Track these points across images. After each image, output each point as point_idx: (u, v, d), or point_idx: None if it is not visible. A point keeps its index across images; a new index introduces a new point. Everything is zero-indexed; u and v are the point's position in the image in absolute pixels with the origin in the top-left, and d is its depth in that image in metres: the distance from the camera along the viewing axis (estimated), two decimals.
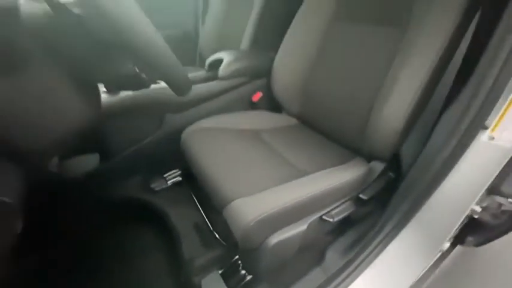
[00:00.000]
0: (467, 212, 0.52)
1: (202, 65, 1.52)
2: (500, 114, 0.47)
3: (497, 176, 0.48)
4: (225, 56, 0.98)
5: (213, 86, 0.93)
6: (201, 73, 0.99)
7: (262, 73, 1.01)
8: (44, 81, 0.36)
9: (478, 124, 0.48)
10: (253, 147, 0.73)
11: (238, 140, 0.75)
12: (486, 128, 0.48)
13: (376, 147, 0.69)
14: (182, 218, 0.79)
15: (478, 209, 0.53)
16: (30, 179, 0.38)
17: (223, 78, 0.94)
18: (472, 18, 0.57)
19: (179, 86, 0.46)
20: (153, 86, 0.81)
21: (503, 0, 0.45)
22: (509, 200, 0.51)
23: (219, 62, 0.98)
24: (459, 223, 0.54)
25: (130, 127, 0.84)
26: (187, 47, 1.58)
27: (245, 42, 1.16)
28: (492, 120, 0.47)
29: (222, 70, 0.93)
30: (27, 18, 0.33)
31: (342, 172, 0.66)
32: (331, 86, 0.82)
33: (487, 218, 0.53)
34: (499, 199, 0.51)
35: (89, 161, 0.85)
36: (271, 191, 0.56)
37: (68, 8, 0.31)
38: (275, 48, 0.96)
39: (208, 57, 1.43)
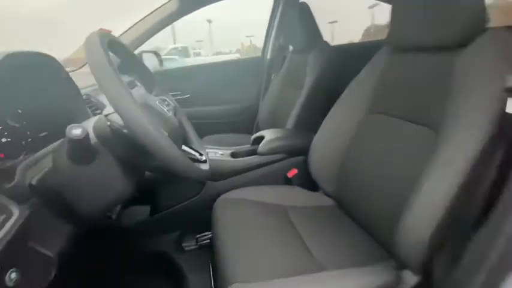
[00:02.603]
0: None
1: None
2: None
3: None
4: (267, 134, 1.09)
5: (252, 159, 1.03)
6: (245, 147, 1.12)
7: (300, 151, 1.06)
8: (105, 168, 0.52)
9: None
10: (275, 227, 0.74)
11: (264, 215, 0.79)
12: None
13: (407, 252, 0.61)
14: (198, 285, 0.83)
15: None
16: (79, 230, 0.52)
17: (262, 154, 1.03)
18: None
19: (183, 172, 0.53)
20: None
21: None
22: None
23: (262, 138, 1.10)
24: None
25: (178, 188, 0.99)
26: (248, 118, 1.80)
27: (291, 121, 1.27)
28: None
29: (261, 147, 1.04)
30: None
31: (364, 276, 0.59)
32: (365, 173, 0.80)
33: None
34: None
35: (141, 212, 1.02)
36: (277, 282, 0.55)
37: (120, 128, 0.49)
38: (314, 130, 1.02)
39: (263, 128, 1.60)
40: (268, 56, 1.75)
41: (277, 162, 1.05)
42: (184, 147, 0.66)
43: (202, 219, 0.97)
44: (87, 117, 0.74)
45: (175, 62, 7.54)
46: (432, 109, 0.66)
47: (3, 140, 0.52)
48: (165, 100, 0.71)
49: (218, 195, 0.90)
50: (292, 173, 1.05)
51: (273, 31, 1.71)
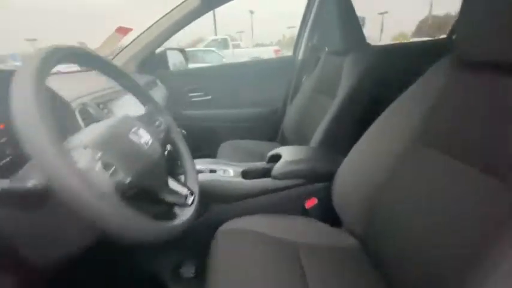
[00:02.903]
0: None
1: (282, 142, 1.56)
2: None
3: None
4: (285, 154, 0.94)
5: (264, 183, 0.89)
6: (260, 164, 0.98)
7: (323, 177, 0.89)
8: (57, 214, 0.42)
9: None
10: (280, 270, 0.62)
11: (269, 253, 0.66)
12: None
13: None
14: None
15: None
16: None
17: (275, 178, 0.89)
18: None
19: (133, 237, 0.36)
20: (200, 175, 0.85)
21: None
22: None
23: (279, 157, 0.95)
24: None
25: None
26: (273, 124, 1.65)
27: (317, 135, 1.10)
28: None
29: (276, 169, 0.89)
30: None
31: None
32: (403, 220, 0.62)
33: None
34: None
35: None
36: None
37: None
38: (344, 151, 0.85)
39: (289, 135, 1.45)
40: (300, 56, 1.57)
41: (294, 188, 0.90)
42: (170, 181, 0.55)
43: (204, 244, 0.87)
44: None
45: (213, 54, 7.59)
46: (505, 157, 0.45)
47: None
48: (156, 121, 0.60)
49: (223, 220, 0.80)
50: (311, 203, 0.89)
51: (306, 28, 1.51)
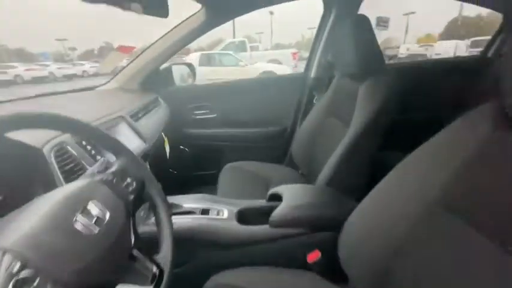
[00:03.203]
0: None
1: (289, 164, 1.45)
2: None
3: None
4: (286, 195, 0.83)
5: (262, 230, 0.79)
6: (258, 204, 0.88)
7: (328, 226, 0.78)
8: None
9: None
10: None
11: None
12: None
13: None
14: None
15: None
16: None
17: (274, 226, 0.79)
18: None
19: None
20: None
21: None
22: None
23: (280, 197, 0.85)
24: None
25: None
26: (282, 143, 1.55)
27: (327, 170, 0.98)
28: None
29: (275, 215, 0.79)
30: None
31: None
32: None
33: None
34: None
35: None
36: None
37: None
38: (355, 192, 0.74)
39: (297, 160, 1.33)
40: (312, 74, 1.44)
41: (295, 238, 0.79)
42: (135, 251, 0.46)
43: None
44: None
45: (230, 57, 7.56)
46: None
47: None
48: (127, 179, 0.52)
49: (212, 269, 0.72)
50: (313, 257, 0.77)
51: (320, 44, 1.39)
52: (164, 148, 1.23)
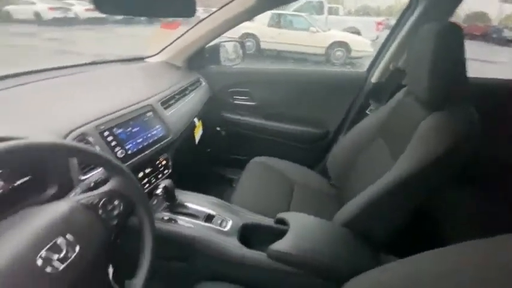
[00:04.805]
0: None
1: (321, 172, 1.32)
2: None
3: None
4: (293, 226, 0.77)
5: (257, 257, 0.75)
6: (266, 222, 0.84)
7: (336, 272, 0.71)
8: None
9: None
10: None
11: None
12: None
13: None
14: None
15: None
16: None
17: (271, 258, 0.74)
18: None
19: None
20: None
21: None
22: None
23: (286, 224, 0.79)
24: None
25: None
26: (320, 148, 1.41)
27: (354, 203, 0.82)
28: None
29: (274, 248, 0.73)
30: None
31: None
32: None
33: None
34: None
35: None
36: None
37: None
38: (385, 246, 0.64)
39: (331, 171, 1.21)
40: (374, 79, 1.21)
41: (290, 277, 0.74)
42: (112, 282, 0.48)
43: None
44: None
45: (302, 20, 6.93)
46: None
47: None
48: (113, 202, 0.51)
49: (201, 276, 0.73)
50: None
51: (392, 44, 1.12)
52: (193, 135, 1.23)
